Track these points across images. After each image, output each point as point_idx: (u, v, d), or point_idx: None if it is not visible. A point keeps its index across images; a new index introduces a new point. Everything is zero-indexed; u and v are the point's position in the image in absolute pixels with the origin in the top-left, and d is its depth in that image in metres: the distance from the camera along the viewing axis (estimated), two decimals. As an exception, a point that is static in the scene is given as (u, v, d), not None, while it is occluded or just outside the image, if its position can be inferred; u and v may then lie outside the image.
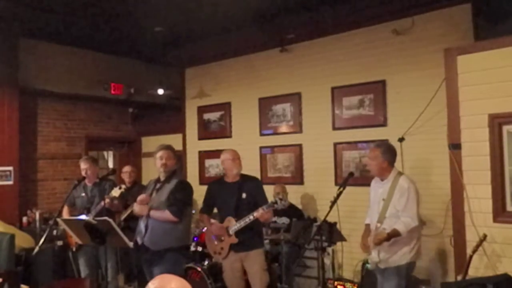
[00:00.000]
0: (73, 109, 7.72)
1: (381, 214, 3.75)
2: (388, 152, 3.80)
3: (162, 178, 4.08)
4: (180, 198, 3.94)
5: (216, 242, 4.28)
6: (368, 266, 4.55)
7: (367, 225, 4.05)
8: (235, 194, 4.21)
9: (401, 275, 3.71)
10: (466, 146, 4.05)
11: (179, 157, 7.76)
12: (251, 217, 4.01)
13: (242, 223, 4.08)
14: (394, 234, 3.56)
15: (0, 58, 6.31)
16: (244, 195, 4.19)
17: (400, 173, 3.84)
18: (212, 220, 4.36)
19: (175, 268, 3.79)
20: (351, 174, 4.21)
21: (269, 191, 4.94)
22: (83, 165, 4.91)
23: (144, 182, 6.83)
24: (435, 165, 4.78)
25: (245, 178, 4.34)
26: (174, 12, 5.71)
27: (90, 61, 7.56)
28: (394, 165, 3.86)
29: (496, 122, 3.84)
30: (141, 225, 4.00)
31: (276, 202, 3.89)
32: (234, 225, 4.13)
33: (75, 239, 4.19)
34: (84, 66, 7.49)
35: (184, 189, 4.03)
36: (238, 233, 4.14)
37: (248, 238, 4.15)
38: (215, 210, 4.48)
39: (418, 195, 3.75)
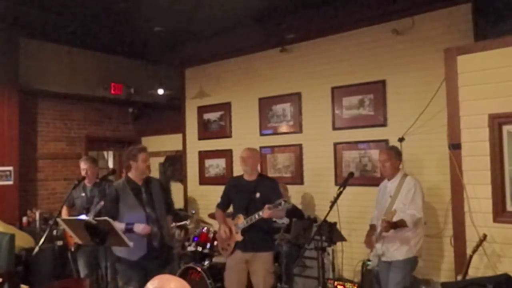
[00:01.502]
0: (73, 109, 7.72)
1: (387, 209, 3.88)
2: (399, 153, 4.14)
3: (140, 182, 4.02)
4: (171, 198, 4.53)
5: (224, 238, 4.28)
6: (369, 264, 4.56)
7: (372, 225, 4.14)
8: (249, 193, 4.21)
9: (407, 268, 3.89)
10: (466, 146, 4.05)
11: (179, 157, 7.79)
12: (257, 216, 4.00)
13: (249, 221, 4.08)
14: (401, 224, 3.73)
15: (0, 58, 6.31)
16: (258, 195, 4.18)
17: (406, 174, 4.06)
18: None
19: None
20: (351, 174, 4.27)
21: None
22: (83, 165, 4.91)
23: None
24: (435, 165, 4.77)
25: (262, 178, 4.37)
26: (174, 12, 5.71)
27: (90, 61, 7.56)
28: None
29: (496, 122, 3.85)
30: (154, 229, 3.91)
31: (280, 204, 3.89)
32: (241, 223, 4.14)
33: (74, 239, 4.19)
34: (84, 66, 7.49)
35: (167, 188, 4.35)
36: (245, 231, 4.13)
37: (256, 238, 4.12)
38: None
39: (423, 192, 3.94)
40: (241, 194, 4.26)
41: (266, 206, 3.92)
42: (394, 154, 4.07)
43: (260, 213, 3.97)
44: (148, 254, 3.87)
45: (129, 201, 3.93)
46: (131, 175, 4.03)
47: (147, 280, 1.48)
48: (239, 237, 4.16)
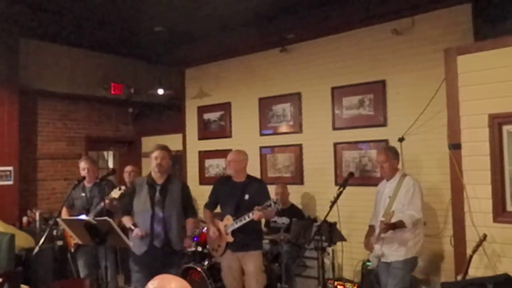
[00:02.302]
0: (73, 109, 7.73)
1: (386, 210, 3.88)
2: (396, 153, 4.12)
3: (159, 181, 4.07)
4: (192, 201, 4.36)
5: (213, 239, 4.32)
6: (369, 264, 4.56)
7: (371, 226, 4.14)
8: (237, 194, 4.24)
9: (406, 269, 3.88)
10: (466, 146, 4.05)
11: (179, 157, 7.78)
12: (247, 217, 4.05)
13: (238, 222, 4.12)
14: (399, 225, 3.73)
15: (0, 58, 6.31)
16: (246, 196, 4.22)
17: (405, 174, 4.05)
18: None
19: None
20: (351, 174, 4.28)
21: (269, 191, 4.93)
22: (84, 165, 4.90)
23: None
24: (435, 165, 4.77)
25: (251, 180, 4.38)
26: (174, 12, 5.71)
27: (90, 61, 7.56)
28: None
29: (496, 122, 3.85)
30: (158, 228, 3.96)
31: (270, 205, 3.93)
32: (231, 224, 4.18)
33: (74, 239, 4.19)
34: (84, 66, 7.48)
35: (190, 191, 4.30)
36: (235, 232, 4.16)
37: (245, 239, 4.17)
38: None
39: (422, 193, 3.93)
40: (229, 195, 4.29)
41: (256, 208, 3.97)
42: (392, 155, 4.06)
43: (250, 214, 4.02)
44: (149, 252, 3.94)
45: (141, 197, 4.03)
46: (151, 172, 4.15)
47: (150, 278, 1.49)
48: (230, 238, 4.19)
